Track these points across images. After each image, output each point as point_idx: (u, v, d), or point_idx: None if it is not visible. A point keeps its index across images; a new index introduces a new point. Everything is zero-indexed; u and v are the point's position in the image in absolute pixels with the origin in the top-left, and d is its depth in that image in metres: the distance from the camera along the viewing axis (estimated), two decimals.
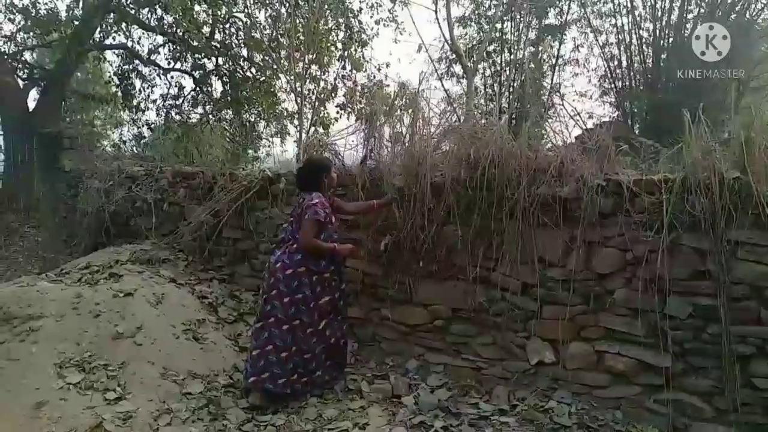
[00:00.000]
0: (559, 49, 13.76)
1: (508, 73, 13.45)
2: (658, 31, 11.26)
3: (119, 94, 13.23)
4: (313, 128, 11.84)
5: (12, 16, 11.93)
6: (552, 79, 13.80)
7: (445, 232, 4.66)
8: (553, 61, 13.94)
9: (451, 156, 4.77)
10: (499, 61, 13.73)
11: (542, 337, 4.40)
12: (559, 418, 3.96)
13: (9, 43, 12.25)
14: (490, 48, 13.67)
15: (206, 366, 4.48)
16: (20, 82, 11.82)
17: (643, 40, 11.69)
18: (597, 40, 13.00)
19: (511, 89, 13.05)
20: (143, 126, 13.57)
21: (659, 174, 4.11)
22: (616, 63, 12.60)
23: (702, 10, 10.89)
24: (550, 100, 11.81)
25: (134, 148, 12.07)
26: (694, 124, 4.06)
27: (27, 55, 13.40)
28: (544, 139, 5.28)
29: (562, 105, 10.86)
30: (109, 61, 14.15)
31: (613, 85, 12.92)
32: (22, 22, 11.87)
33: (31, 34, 12.24)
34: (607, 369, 4.15)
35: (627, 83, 12.18)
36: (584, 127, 6.17)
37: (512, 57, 13.44)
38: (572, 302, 4.26)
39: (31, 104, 11.50)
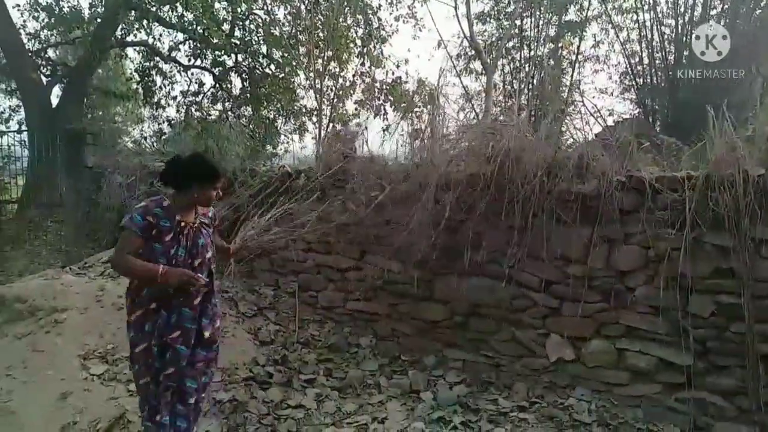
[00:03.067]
0: (579, 46, 13.68)
1: (527, 69, 13.39)
2: (680, 28, 11.15)
3: (140, 90, 13.37)
4: (331, 125, 11.88)
5: (36, 14, 12.11)
6: (572, 76, 13.71)
7: (463, 229, 4.64)
8: (573, 57, 13.85)
9: (469, 152, 4.76)
10: (518, 58, 13.67)
11: (562, 334, 4.39)
12: (578, 416, 3.96)
13: (33, 40, 12.43)
14: (510, 44, 13.60)
15: (227, 359, 4.50)
16: (44, 79, 11.99)
17: (666, 37, 11.58)
18: (618, 36, 12.91)
19: (530, 86, 12.99)
20: (164, 122, 13.71)
21: (682, 171, 4.07)
22: (637, 59, 12.51)
23: (726, 6, 10.75)
24: (569, 96, 11.73)
25: (155, 144, 12.18)
26: (718, 120, 4.02)
27: (50, 52, 13.60)
28: (564, 136, 5.26)
29: (582, 102, 10.78)
30: (130, 58, 14.30)
31: (633, 82, 12.82)
32: (46, 20, 12.03)
33: (55, 31, 12.41)
34: (628, 367, 4.13)
35: (648, 80, 12.08)
36: (604, 125, 6.13)
37: (532, 53, 13.37)
38: (592, 299, 4.24)
39: (54, 101, 11.66)
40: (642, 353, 4.07)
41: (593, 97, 13.78)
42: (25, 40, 11.81)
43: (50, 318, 4.32)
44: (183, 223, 2.97)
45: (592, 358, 4.25)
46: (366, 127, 5.74)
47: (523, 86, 13.28)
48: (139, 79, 13.27)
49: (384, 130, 5.81)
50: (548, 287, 4.42)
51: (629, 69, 12.87)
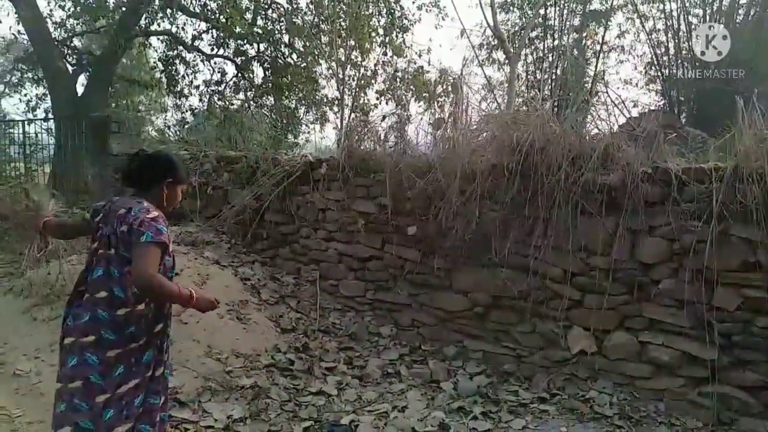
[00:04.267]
0: (603, 36, 13.48)
1: (551, 59, 13.25)
2: (708, 17, 10.93)
3: (163, 79, 13.48)
4: (353, 114, 11.89)
5: (62, 3, 12.24)
6: (596, 66, 13.53)
7: (485, 219, 4.63)
8: (598, 47, 13.67)
9: (492, 141, 4.74)
10: (542, 48, 13.53)
11: (584, 327, 4.36)
12: (599, 408, 3.94)
13: (59, 29, 12.58)
14: (533, 34, 13.47)
15: (249, 346, 4.57)
16: (69, 68, 12.14)
17: (693, 27, 11.36)
18: (643, 26, 12.70)
19: (553, 76, 12.85)
20: (186, 111, 13.81)
21: (709, 162, 4.01)
22: (663, 50, 12.30)
23: None
24: (594, 87, 11.58)
25: (178, 133, 12.30)
26: (747, 111, 3.95)
27: (76, 41, 13.77)
28: (588, 127, 5.20)
29: (606, 93, 10.65)
30: (153, 47, 14.43)
31: (659, 73, 12.62)
32: (72, 9, 12.16)
33: (80, 20, 12.54)
34: (651, 360, 4.09)
35: (674, 71, 11.87)
36: (629, 116, 6.06)
37: (555, 43, 13.22)
38: (615, 292, 4.20)
39: (79, 89, 11.81)
40: (665, 346, 4.03)
41: (618, 88, 13.58)
42: (51, 29, 11.97)
43: None
44: None
45: (615, 350, 4.22)
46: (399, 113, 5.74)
47: (546, 76, 13.14)
48: (162, 68, 13.40)
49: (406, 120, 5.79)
50: (571, 279, 4.39)
51: (655, 59, 12.67)
